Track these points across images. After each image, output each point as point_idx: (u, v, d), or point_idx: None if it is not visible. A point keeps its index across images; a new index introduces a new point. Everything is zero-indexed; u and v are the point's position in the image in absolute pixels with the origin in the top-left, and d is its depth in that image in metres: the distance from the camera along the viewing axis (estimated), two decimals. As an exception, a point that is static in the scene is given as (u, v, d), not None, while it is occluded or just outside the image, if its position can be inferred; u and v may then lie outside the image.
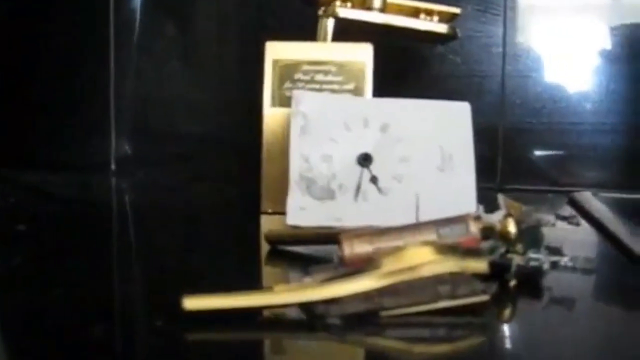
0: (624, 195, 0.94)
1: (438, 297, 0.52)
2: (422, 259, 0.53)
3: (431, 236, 0.60)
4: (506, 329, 0.55)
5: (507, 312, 0.58)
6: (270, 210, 0.83)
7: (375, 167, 0.78)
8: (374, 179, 0.77)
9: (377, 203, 0.77)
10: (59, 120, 1.09)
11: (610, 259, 0.71)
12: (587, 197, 0.89)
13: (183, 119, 1.12)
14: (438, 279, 0.53)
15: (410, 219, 0.74)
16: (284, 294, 0.51)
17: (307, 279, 0.55)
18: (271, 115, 0.83)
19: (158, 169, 1.09)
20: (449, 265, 0.53)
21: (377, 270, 0.53)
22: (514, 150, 1.01)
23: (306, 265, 0.63)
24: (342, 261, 0.60)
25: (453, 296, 0.52)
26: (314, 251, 0.68)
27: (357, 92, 0.82)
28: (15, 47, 1.10)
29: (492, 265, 0.58)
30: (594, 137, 1.01)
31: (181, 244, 0.74)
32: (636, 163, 0.99)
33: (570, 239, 0.70)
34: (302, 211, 0.77)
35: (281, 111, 0.82)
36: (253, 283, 0.61)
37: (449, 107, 0.80)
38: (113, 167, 1.07)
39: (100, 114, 1.10)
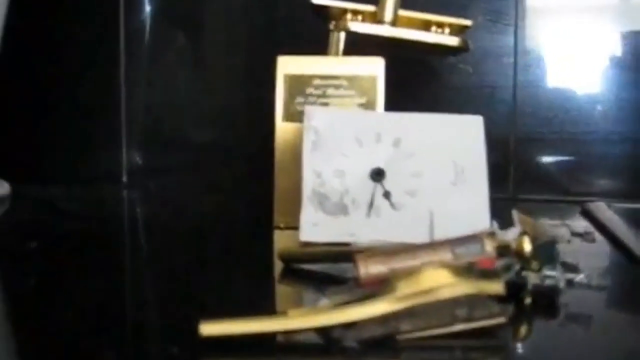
0: (637, 205, 0.93)
1: (454, 320, 0.52)
2: (438, 282, 0.53)
3: (447, 256, 0.60)
4: (522, 349, 0.55)
5: (523, 332, 0.57)
6: (282, 225, 0.82)
7: (387, 182, 0.78)
8: (387, 194, 0.77)
9: (390, 218, 0.77)
10: (70, 133, 1.10)
11: (625, 273, 0.70)
12: (601, 208, 0.89)
13: (193, 128, 1.13)
14: (454, 302, 0.53)
15: (423, 235, 0.74)
16: (299, 318, 0.51)
17: (323, 301, 0.55)
18: (283, 130, 0.83)
19: (169, 179, 1.09)
20: (465, 287, 0.53)
21: (392, 294, 0.53)
22: (526, 159, 1.01)
23: (321, 284, 0.64)
24: (357, 281, 0.60)
25: (470, 319, 0.52)
26: (328, 269, 0.68)
27: (369, 106, 0.82)
28: (25, 59, 1.10)
29: (508, 285, 0.58)
30: (606, 146, 1.01)
31: (193, 262, 0.74)
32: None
33: (585, 252, 0.70)
34: (315, 227, 0.77)
35: (293, 126, 0.82)
36: (267, 304, 0.61)
37: (461, 120, 0.79)
38: (124, 179, 1.07)
39: (111, 124, 1.10)
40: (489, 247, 0.60)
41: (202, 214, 0.94)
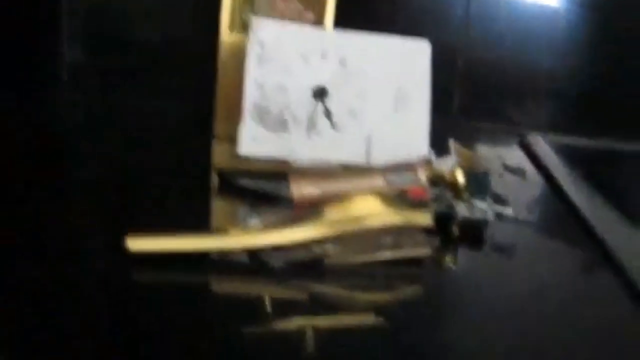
0: (574, 141, 0.95)
1: (381, 248, 0.53)
2: (368, 210, 0.54)
3: (379, 182, 0.61)
4: (445, 278, 0.57)
5: (447, 262, 0.59)
6: (222, 137, 0.82)
7: (330, 102, 0.77)
8: (328, 113, 0.77)
9: (330, 138, 0.77)
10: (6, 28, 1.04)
11: (552, 209, 0.72)
12: (538, 141, 0.90)
13: (139, 26, 1.09)
14: (382, 231, 0.53)
15: (361, 157, 0.75)
16: (229, 238, 0.51)
17: (255, 221, 0.55)
18: (229, 41, 0.81)
19: (112, 80, 1.06)
20: (394, 217, 0.54)
21: (322, 219, 0.53)
22: (473, 83, 1.01)
23: (255, 202, 0.64)
24: (289, 202, 0.60)
25: (396, 248, 0.53)
26: (265, 186, 0.68)
27: (318, 22, 0.81)
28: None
29: (437, 216, 0.59)
30: (553, 80, 1.01)
31: (129, 172, 0.73)
32: (590, 108, 0.99)
33: (517, 186, 0.71)
34: (254, 142, 0.77)
35: (239, 37, 0.80)
36: (202, 218, 0.61)
37: (409, 45, 0.79)
38: (65, 78, 1.04)
39: (50, 16, 1.05)
40: (422, 176, 0.61)
41: (142, 120, 0.92)
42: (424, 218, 0.55)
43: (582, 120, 0.99)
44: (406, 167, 0.62)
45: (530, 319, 0.50)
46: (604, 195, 0.72)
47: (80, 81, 1.03)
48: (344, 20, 0.80)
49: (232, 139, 0.78)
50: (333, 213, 0.54)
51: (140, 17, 1.07)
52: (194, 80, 0.98)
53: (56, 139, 0.85)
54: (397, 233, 0.54)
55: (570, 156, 0.86)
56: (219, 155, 0.79)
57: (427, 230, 0.56)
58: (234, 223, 0.61)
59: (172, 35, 1.06)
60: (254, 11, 0.81)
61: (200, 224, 0.60)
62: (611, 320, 0.52)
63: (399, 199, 0.56)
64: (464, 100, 1.00)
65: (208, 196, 0.67)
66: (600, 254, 0.59)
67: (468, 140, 0.89)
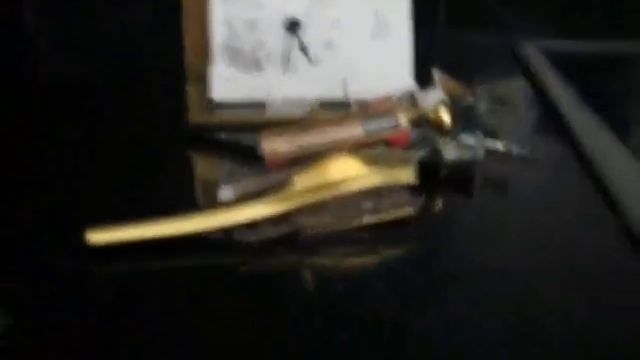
0: (575, 47, 0.89)
1: (361, 213, 0.49)
2: (345, 173, 0.49)
3: (357, 131, 0.57)
4: (434, 240, 0.53)
5: (436, 216, 0.55)
6: (193, 75, 0.76)
7: (304, 34, 0.72)
8: (303, 48, 0.72)
9: (307, 74, 0.72)
10: None
11: (550, 139, 0.68)
12: (532, 52, 0.84)
13: None
14: (361, 194, 0.50)
15: (340, 93, 0.70)
16: (195, 220, 0.47)
17: (227, 191, 0.52)
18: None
19: (79, 16, 1.00)
20: (374, 179, 0.50)
21: (296, 187, 0.49)
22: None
23: (228, 158, 0.60)
24: (263, 160, 0.56)
25: (377, 210, 0.50)
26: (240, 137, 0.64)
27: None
28: None
29: (422, 164, 0.55)
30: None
31: (98, 123, 0.69)
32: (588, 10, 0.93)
33: (509, 116, 0.67)
34: (227, 83, 0.72)
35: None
36: (172, 189, 0.57)
37: (384, -36, 0.73)
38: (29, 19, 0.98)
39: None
40: (403, 120, 0.57)
41: (109, 65, 0.86)
42: (407, 175, 0.51)
43: (585, 19, 0.93)
44: (385, 110, 0.57)
45: (529, 272, 0.47)
46: (607, 119, 0.67)
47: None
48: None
49: (203, 79, 0.73)
50: (307, 179, 0.50)
51: None
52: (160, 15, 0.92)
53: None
54: (378, 194, 0.50)
55: (570, 66, 0.81)
56: (191, 103, 0.74)
57: (411, 188, 0.52)
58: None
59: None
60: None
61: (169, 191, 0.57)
62: (610, 267, 0.49)
63: (377, 157, 0.51)
64: (450, 8, 0.94)
65: (180, 155, 0.63)
66: (601, 193, 0.56)
67: (455, 60, 0.84)
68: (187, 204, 0.55)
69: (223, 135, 0.65)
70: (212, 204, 0.52)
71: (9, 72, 0.84)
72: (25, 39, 0.98)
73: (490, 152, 0.60)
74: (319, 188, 0.49)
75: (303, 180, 0.49)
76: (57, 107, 0.74)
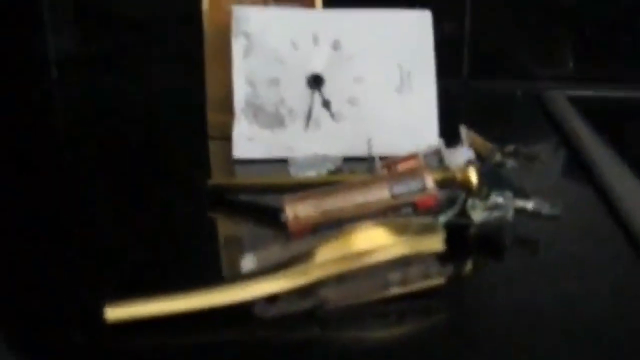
0: (602, 94, 0.87)
1: (388, 285, 0.48)
2: (371, 243, 0.48)
3: (384, 195, 0.55)
4: (463, 310, 0.51)
5: (466, 281, 0.53)
6: (217, 136, 0.76)
7: (327, 90, 0.71)
8: (326, 103, 0.71)
9: (331, 130, 0.71)
10: None
11: (581, 195, 0.66)
12: (558, 99, 0.83)
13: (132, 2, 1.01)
14: (389, 264, 0.48)
15: (363, 150, 0.69)
16: (216, 294, 0.46)
17: (249, 259, 0.50)
18: (211, 32, 0.75)
19: (102, 67, 0.99)
20: (402, 248, 0.48)
21: (321, 258, 0.48)
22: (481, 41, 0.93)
23: (251, 222, 0.59)
24: (286, 227, 0.55)
25: (404, 282, 0.48)
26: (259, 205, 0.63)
27: (305, 2, 0.73)
28: None
29: (450, 227, 0.53)
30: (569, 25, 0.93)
31: (121, 186, 0.68)
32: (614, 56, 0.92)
33: (537, 172, 0.65)
34: (249, 142, 0.71)
35: (222, 26, 0.73)
36: (194, 252, 0.56)
37: (407, 17, 0.72)
38: (53, 71, 0.98)
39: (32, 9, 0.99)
40: (430, 182, 0.56)
41: (135, 120, 0.86)
42: (435, 243, 0.49)
43: (611, 66, 0.91)
44: (411, 175, 0.55)
45: (560, 347, 0.45)
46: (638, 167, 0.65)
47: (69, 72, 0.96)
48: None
49: (225, 136, 0.72)
50: (331, 249, 0.48)
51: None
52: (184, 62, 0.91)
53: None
54: (406, 264, 0.48)
55: (598, 113, 0.79)
56: (213, 160, 0.74)
57: (439, 256, 0.50)
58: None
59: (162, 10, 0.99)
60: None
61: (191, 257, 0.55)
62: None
63: (404, 226, 0.49)
64: (473, 59, 0.93)
65: (202, 219, 0.62)
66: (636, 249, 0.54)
67: (481, 112, 0.83)
68: (208, 270, 0.54)
69: (245, 197, 0.64)
70: (234, 272, 0.50)
71: (31, 125, 0.84)
72: (48, 93, 0.98)
73: (520, 212, 0.58)
74: (343, 259, 0.47)
75: (327, 251, 0.48)
76: (76, 165, 0.73)
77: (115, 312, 0.45)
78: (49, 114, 0.93)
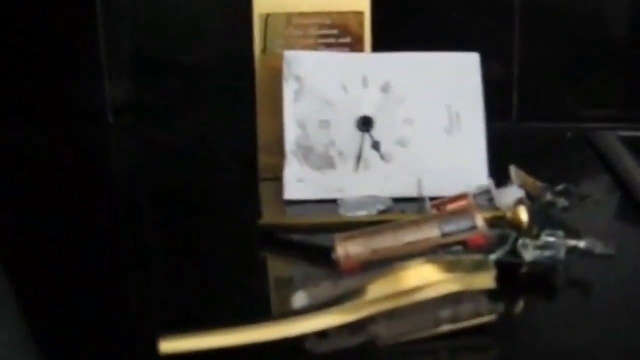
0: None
1: (439, 322, 0.48)
2: (422, 280, 0.48)
3: (434, 234, 0.55)
4: (518, 339, 0.51)
5: (517, 320, 0.53)
6: (268, 177, 0.77)
7: (376, 132, 0.72)
8: (376, 145, 0.72)
9: (380, 171, 0.72)
10: (37, 64, 0.99)
11: (633, 235, 0.65)
12: (609, 139, 0.82)
13: (185, 50, 1.03)
14: (439, 301, 0.48)
15: (413, 191, 0.69)
16: (267, 329, 0.47)
17: (300, 297, 0.51)
18: (262, 76, 0.76)
19: (159, 116, 1.01)
20: (452, 286, 0.48)
21: (371, 295, 0.48)
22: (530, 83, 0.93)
23: (302, 261, 0.60)
24: (337, 265, 0.55)
25: (456, 319, 0.48)
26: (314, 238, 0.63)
27: (355, 46, 0.75)
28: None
29: (501, 266, 0.53)
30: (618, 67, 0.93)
31: (171, 225, 0.70)
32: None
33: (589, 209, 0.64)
34: (300, 183, 0.72)
35: (273, 70, 0.75)
36: (246, 290, 0.57)
37: (455, 59, 0.73)
38: (111, 119, 1.00)
39: (88, 51, 1.00)
40: (480, 221, 0.56)
41: (188, 163, 0.87)
42: (486, 281, 0.49)
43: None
44: (462, 214, 0.56)
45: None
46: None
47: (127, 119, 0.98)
48: (383, 43, 0.75)
49: (276, 177, 0.73)
50: (382, 286, 0.48)
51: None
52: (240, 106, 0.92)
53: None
54: (456, 302, 0.48)
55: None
56: (264, 200, 0.75)
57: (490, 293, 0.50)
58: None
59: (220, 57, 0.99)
60: (286, 39, 0.76)
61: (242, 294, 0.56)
62: None
63: (455, 264, 0.50)
64: (522, 101, 0.93)
65: (253, 259, 0.63)
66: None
67: (530, 153, 0.83)
68: (259, 308, 0.55)
69: (295, 237, 0.64)
70: (285, 309, 0.51)
71: (87, 168, 0.86)
72: (104, 136, 1.00)
73: (572, 251, 0.58)
74: (394, 296, 0.48)
75: (378, 288, 0.48)
76: (130, 206, 0.75)
77: (169, 345, 0.46)
78: (105, 158, 0.95)
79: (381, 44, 0.75)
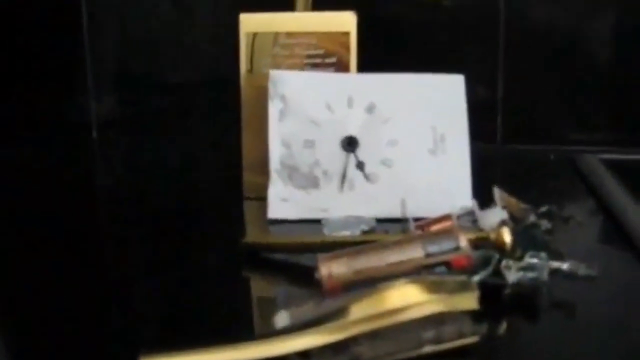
0: (630, 156, 0.87)
1: (422, 343, 0.48)
2: (404, 301, 0.48)
3: (418, 254, 0.55)
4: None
5: (500, 341, 0.53)
6: (252, 196, 0.77)
7: (361, 152, 0.72)
8: (360, 165, 0.72)
9: (365, 191, 0.72)
10: (22, 79, 0.99)
11: (618, 258, 0.65)
12: (593, 164, 0.83)
13: (171, 67, 1.03)
14: (422, 322, 0.48)
15: (397, 211, 0.69)
16: (249, 348, 0.46)
17: (283, 316, 0.50)
18: (248, 94, 0.76)
19: (144, 133, 1.01)
20: (435, 305, 0.48)
21: (354, 315, 0.48)
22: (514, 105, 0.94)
23: (285, 280, 0.59)
24: (320, 285, 0.55)
25: (439, 340, 0.48)
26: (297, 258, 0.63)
27: (341, 66, 0.75)
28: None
29: (484, 287, 0.53)
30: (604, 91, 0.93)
31: (154, 244, 0.69)
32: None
33: (572, 232, 0.65)
34: (284, 203, 0.72)
35: (258, 89, 0.75)
36: (229, 309, 0.57)
37: (440, 81, 0.73)
38: (94, 134, 1.00)
39: (74, 67, 1.00)
40: (464, 242, 0.56)
41: (172, 180, 0.87)
42: (469, 301, 0.49)
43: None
44: (445, 235, 0.56)
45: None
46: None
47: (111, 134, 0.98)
48: (368, 64, 0.75)
49: (260, 196, 0.73)
50: (365, 306, 0.48)
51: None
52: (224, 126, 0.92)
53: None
54: (440, 322, 0.48)
55: (633, 178, 0.79)
56: (248, 219, 0.75)
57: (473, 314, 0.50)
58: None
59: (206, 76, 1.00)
60: (273, 58, 0.76)
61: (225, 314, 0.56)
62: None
63: (438, 285, 0.50)
64: (506, 123, 0.93)
65: (236, 278, 0.63)
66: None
67: (514, 175, 0.83)
68: (243, 327, 0.55)
69: (279, 256, 0.64)
70: (268, 329, 0.50)
71: (71, 183, 0.85)
72: (89, 154, 1.00)
73: (555, 273, 0.58)
74: (377, 316, 0.48)
75: (361, 308, 0.48)
76: (113, 223, 0.75)
77: (151, 365, 0.45)
78: (89, 173, 0.94)
79: (366, 65, 0.75)
